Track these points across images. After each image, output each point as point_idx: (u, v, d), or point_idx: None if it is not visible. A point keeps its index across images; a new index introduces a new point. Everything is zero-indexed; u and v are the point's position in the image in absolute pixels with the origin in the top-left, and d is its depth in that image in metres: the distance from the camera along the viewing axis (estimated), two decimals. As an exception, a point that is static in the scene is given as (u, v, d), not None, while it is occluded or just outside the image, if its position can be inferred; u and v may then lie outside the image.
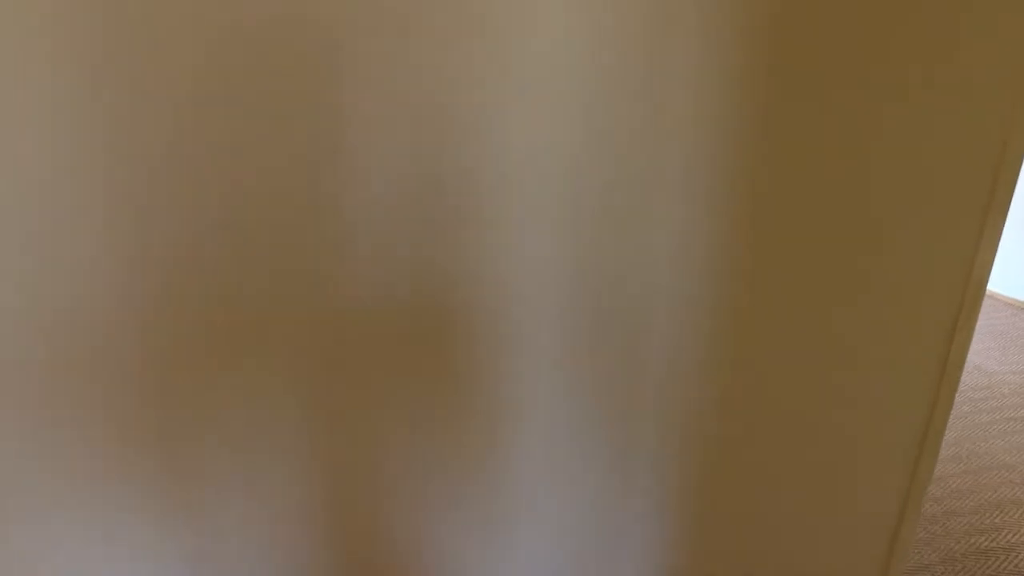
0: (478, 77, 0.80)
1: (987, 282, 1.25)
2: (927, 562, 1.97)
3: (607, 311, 0.98)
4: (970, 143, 1.09)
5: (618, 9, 0.82)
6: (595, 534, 1.14)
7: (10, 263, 0.72)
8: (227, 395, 0.84)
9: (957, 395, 3.08)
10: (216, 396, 0.84)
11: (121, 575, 0.88)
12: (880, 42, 0.97)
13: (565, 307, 0.95)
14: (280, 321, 0.83)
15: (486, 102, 0.81)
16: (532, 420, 1.01)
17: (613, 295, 0.97)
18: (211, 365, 0.82)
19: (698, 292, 1.02)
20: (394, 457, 0.95)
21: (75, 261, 0.74)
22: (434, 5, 0.75)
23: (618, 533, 1.16)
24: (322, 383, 0.88)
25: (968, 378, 3.29)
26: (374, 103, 0.77)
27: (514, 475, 1.04)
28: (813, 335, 1.14)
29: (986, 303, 4.38)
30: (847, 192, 1.05)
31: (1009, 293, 4.30)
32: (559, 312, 0.95)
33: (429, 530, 1.02)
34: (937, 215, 1.14)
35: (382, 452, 0.94)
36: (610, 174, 0.89)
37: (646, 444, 1.11)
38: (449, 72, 0.78)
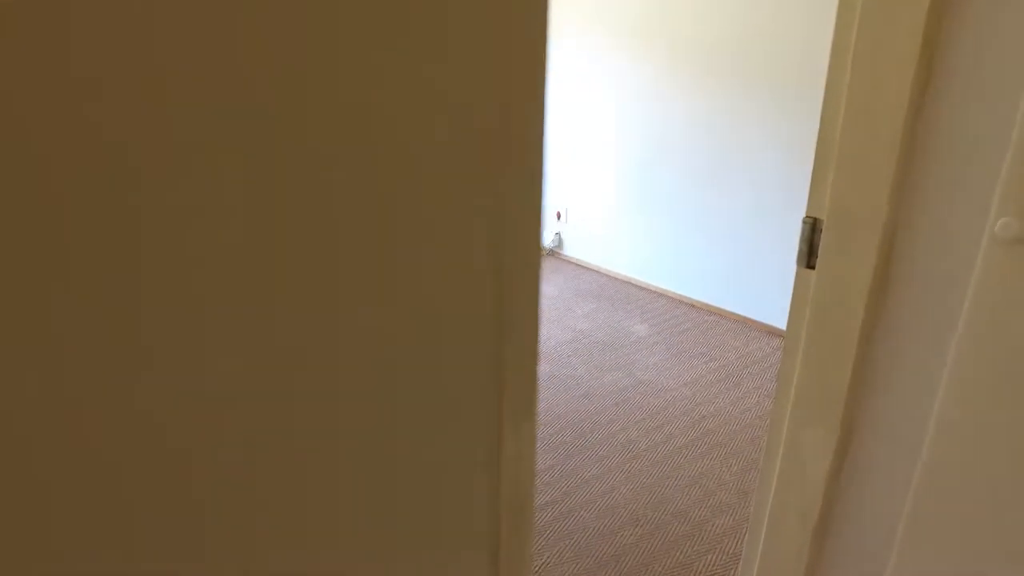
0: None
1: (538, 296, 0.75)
2: None
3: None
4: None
5: None
6: None
7: None
8: None
9: (632, 429, 2.73)
10: None
11: None
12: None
13: None
14: None
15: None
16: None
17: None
18: None
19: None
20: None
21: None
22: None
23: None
24: None
25: (644, 401, 3.01)
26: None
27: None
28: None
29: (658, 302, 4.23)
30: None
31: (679, 290, 4.21)
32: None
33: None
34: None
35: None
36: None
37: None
38: None
